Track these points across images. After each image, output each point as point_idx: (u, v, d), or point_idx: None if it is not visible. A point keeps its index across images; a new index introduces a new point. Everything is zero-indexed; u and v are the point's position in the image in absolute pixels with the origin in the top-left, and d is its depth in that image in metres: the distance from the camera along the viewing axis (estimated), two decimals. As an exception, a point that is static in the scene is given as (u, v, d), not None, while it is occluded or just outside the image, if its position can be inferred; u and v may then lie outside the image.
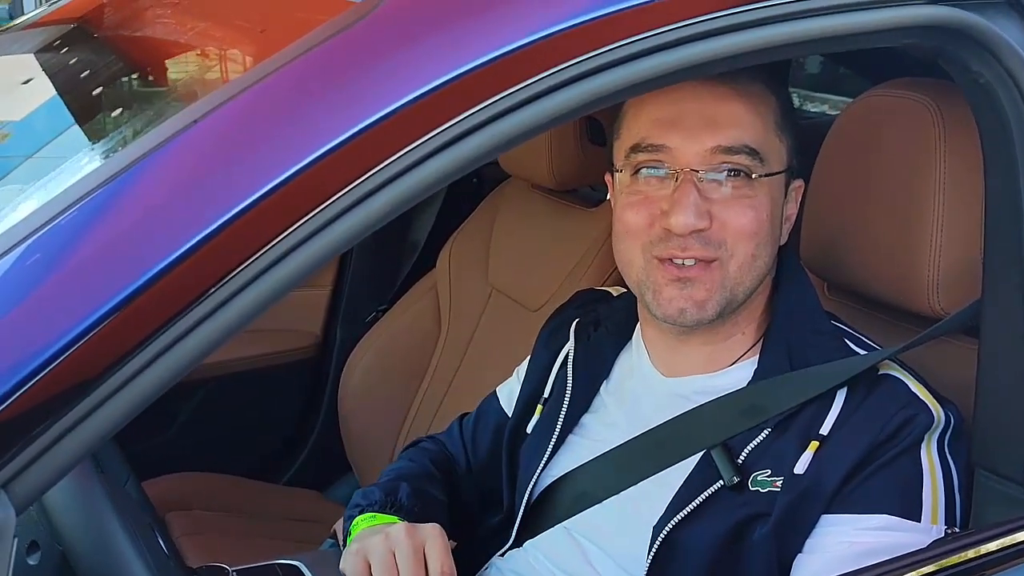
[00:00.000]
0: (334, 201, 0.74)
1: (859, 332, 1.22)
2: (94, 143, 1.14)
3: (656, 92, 1.12)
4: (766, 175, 1.15)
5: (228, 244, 0.70)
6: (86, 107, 1.22)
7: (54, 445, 0.63)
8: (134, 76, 1.19)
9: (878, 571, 0.94)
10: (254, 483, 2.32)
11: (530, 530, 1.29)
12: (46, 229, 0.71)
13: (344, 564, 1.14)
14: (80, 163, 0.95)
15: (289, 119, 0.73)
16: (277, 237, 0.73)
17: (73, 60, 1.45)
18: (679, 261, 1.14)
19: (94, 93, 1.26)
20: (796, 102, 3.84)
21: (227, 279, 0.71)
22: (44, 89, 1.36)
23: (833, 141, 1.36)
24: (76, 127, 1.24)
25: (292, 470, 2.47)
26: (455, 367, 2.21)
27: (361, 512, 1.27)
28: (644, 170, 1.17)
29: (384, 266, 2.57)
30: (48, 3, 1.94)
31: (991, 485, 1.01)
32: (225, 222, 0.70)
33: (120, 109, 1.11)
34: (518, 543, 1.30)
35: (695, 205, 1.12)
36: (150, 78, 1.13)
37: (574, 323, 1.37)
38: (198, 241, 0.68)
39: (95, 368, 0.66)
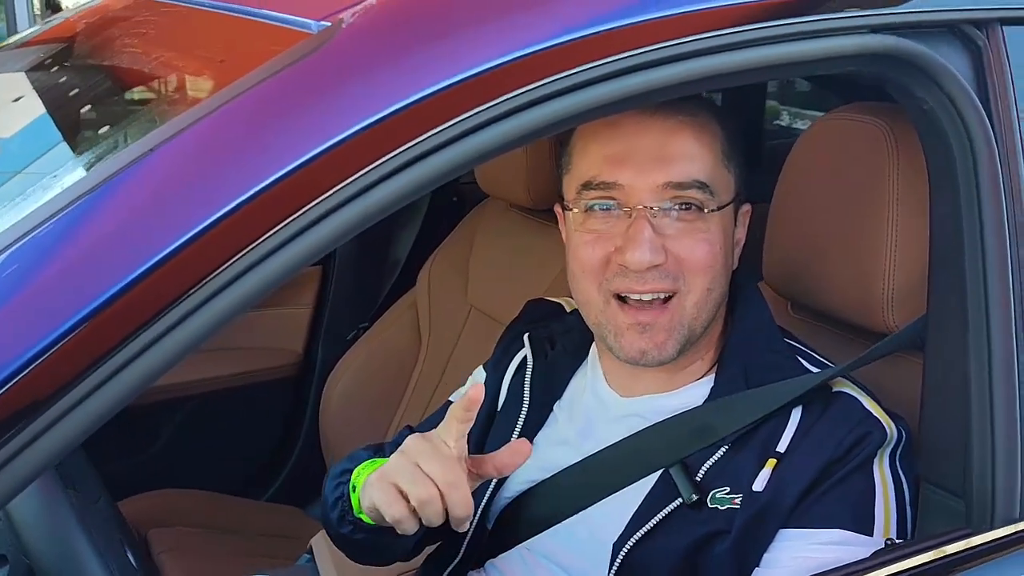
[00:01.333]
0: (286, 225, 0.77)
1: (813, 350, 1.25)
2: (76, 161, 1.17)
3: (603, 126, 1.14)
4: (718, 208, 1.16)
5: (174, 271, 0.72)
6: (73, 125, 1.25)
7: (16, 456, 0.66)
8: (120, 95, 1.22)
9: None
10: (236, 500, 2.34)
11: (489, 551, 1.30)
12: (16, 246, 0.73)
13: (371, 497, 1.09)
14: (53, 181, 0.98)
15: (252, 140, 0.76)
16: (236, 254, 0.76)
17: (62, 79, 1.47)
18: (637, 297, 1.15)
19: (82, 111, 1.29)
20: (787, 119, 3.88)
21: (189, 293, 0.72)
22: (34, 107, 1.38)
23: (793, 164, 1.39)
24: (63, 144, 1.27)
25: (274, 487, 2.49)
26: (435, 384, 2.23)
27: (351, 472, 1.22)
28: (597, 207, 1.17)
29: (365, 285, 2.59)
30: (44, 22, 1.97)
31: (935, 498, 1.04)
32: (179, 245, 0.73)
33: (106, 127, 1.13)
34: (478, 563, 1.31)
35: (650, 241, 1.13)
36: (128, 99, 1.16)
37: (527, 336, 1.38)
38: (152, 264, 0.71)
39: (52, 385, 0.68)
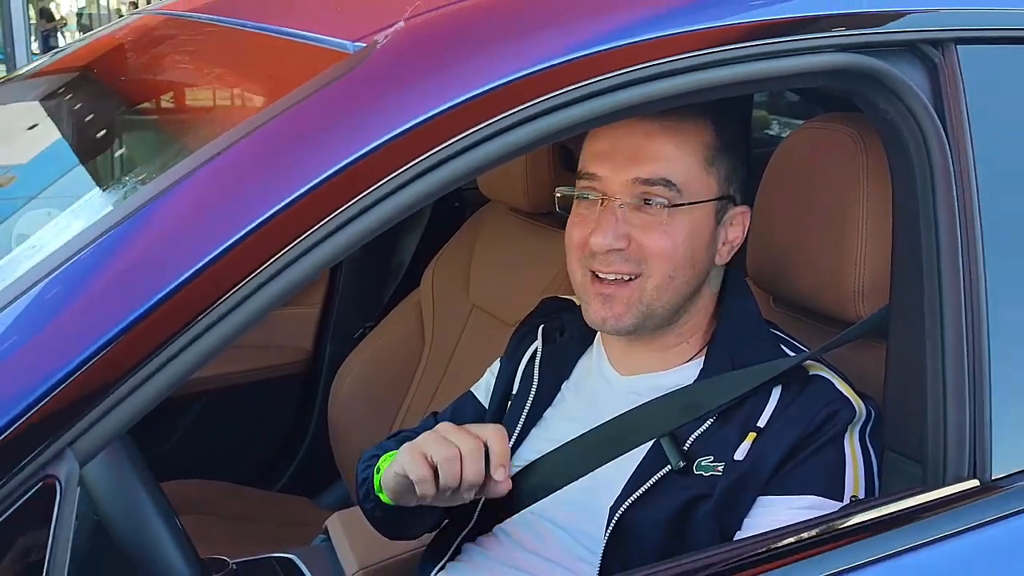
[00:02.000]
0: (328, 221, 0.89)
1: (793, 338, 1.38)
2: (95, 184, 1.29)
3: (601, 128, 1.28)
4: (684, 204, 1.29)
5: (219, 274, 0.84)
6: (86, 150, 1.36)
7: (105, 416, 0.78)
8: (185, 107, 1.34)
9: (795, 529, 1.09)
10: (248, 490, 2.44)
11: (498, 516, 1.43)
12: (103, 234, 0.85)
13: (399, 462, 1.24)
14: (87, 204, 1.10)
15: (304, 145, 0.88)
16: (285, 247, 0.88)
17: (74, 106, 1.58)
18: (602, 275, 1.30)
19: (94, 137, 1.40)
20: (776, 129, 4.01)
21: (240, 286, 0.84)
22: (48, 134, 1.49)
23: (773, 169, 1.51)
24: (77, 169, 1.38)
25: (284, 478, 2.59)
26: (438, 379, 2.35)
27: (379, 458, 1.37)
28: (581, 194, 1.33)
29: (371, 285, 2.71)
30: (51, 53, 2.07)
31: (897, 464, 1.17)
32: (225, 248, 0.85)
33: (119, 151, 1.24)
34: (487, 528, 1.44)
35: (613, 228, 1.28)
36: (193, 108, 1.28)
37: (540, 327, 1.52)
38: (203, 264, 0.83)
39: (136, 357, 0.80)
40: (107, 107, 1.47)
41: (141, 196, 0.86)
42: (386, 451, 1.38)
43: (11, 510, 0.75)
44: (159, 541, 1.02)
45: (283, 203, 0.84)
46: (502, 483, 1.23)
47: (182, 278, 0.81)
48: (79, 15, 17.88)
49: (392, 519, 1.42)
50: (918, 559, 1.04)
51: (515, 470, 1.42)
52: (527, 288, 2.19)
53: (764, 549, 1.08)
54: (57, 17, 16.82)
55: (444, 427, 1.24)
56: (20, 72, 1.97)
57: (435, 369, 2.36)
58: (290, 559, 1.75)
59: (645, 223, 1.29)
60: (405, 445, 1.25)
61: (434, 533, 1.53)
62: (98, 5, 16.46)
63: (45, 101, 1.61)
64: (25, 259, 0.89)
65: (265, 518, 2.33)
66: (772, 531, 1.14)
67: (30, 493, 0.75)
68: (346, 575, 1.74)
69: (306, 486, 2.55)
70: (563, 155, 2.13)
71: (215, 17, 1.29)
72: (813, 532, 1.07)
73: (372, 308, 2.65)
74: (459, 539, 1.46)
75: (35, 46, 12.70)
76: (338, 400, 2.40)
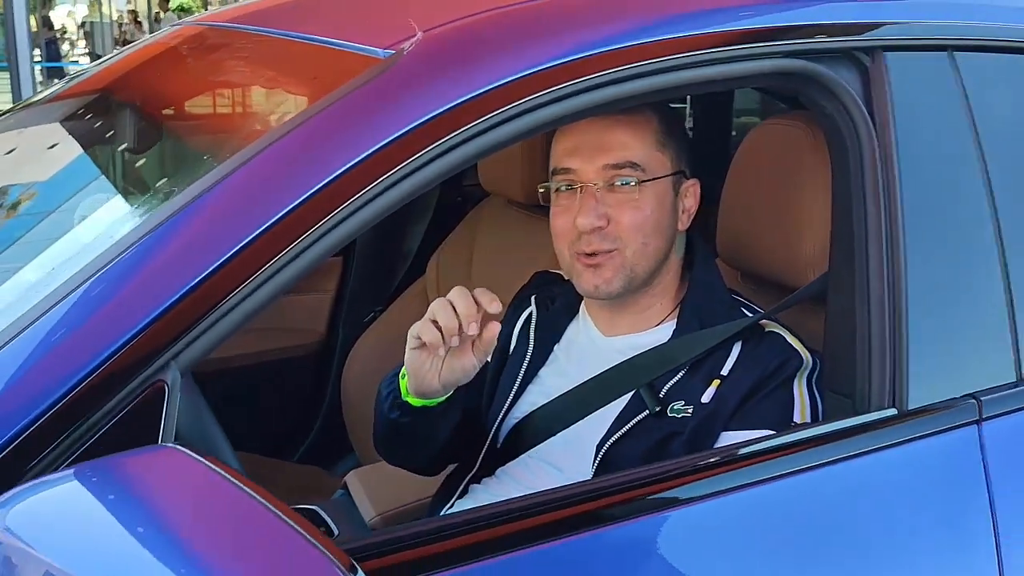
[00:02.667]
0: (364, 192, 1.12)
1: (752, 302, 1.61)
2: (114, 196, 1.47)
3: (565, 129, 1.50)
4: (648, 180, 1.52)
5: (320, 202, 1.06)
6: (99, 167, 1.53)
7: (199, 337, 1.01)
8: (242, 103, 1.53)
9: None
10: (267, 460, 2.61)
11: (500, 461, 1.65)
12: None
13: (415, 330, 1.40)
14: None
15: (347, 130, 1.10)
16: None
17: (89, 128, 1.76)
18: (589, 252, 1.52)
19: (107, 155, 1.59)
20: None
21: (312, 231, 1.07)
22: (66, 153, 1.67)
23: (738, 162, 1.74)
24: (90, 185, 1.56)
25: (300, 450, 2.76)
26: None
27: (398, 375, 1.54)
28: (562, 187, 1.56)
29: (380, 274, 2.87)
30: (63, 80, 2.21)
31: (833, 400, 1.39)
32: (294, 206, 1.07)
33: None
34: (490, 471, 1.66)
35: (594, 209, 1.50)
36: (251, 103, 1.48)
37: (533, 297, 1.75)
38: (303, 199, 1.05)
39: (220, 293, 1.03)
40: (111, 131, 1.67)
41: (231, 163, 1.09)
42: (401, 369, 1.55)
43: (133, 404, 0.97)
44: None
45: (342, 168, 1.07)
46: (493, 324, 1.38)
47: (263, 226, 1.04)
48: (81, 24, 18.10)
49: (417, 424, 1.57)
50: (848, 467, 1.26)
51: (515, 420, 1.65)
52: (523, 272, 2.36)
53: (722, 457, 1.30)
54: (57, 26, 17.07)
55: (451, 294, 1.37)
56: (40, 96, 2.13)
57: (439, 348, 2.57)
58: (313, 509, 1.96)
59: (618, 201, 1.52)
60: (414, 325, 1.41)
61: (442, 479, 1.75)
62: (100, 14, 16.71)
63: (64, 123, 1.78)
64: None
65: (283, 483, 2.53)
66: (729, 444, 1.37)
67: (146, 392, 0.98)
68: (365, 521, 1.95)
69: (320, 458, 2.72)
70: (556, 152, 2.35)
71: (259, 28, 1.52)
72: (763, 446, 1.30)
73: (381, 294, 2.82)
74: (465, 481, 1.68)
75: (37, 54, 12.96)
76: (350, 378, 2.58)
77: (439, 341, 1.37)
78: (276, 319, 2.72)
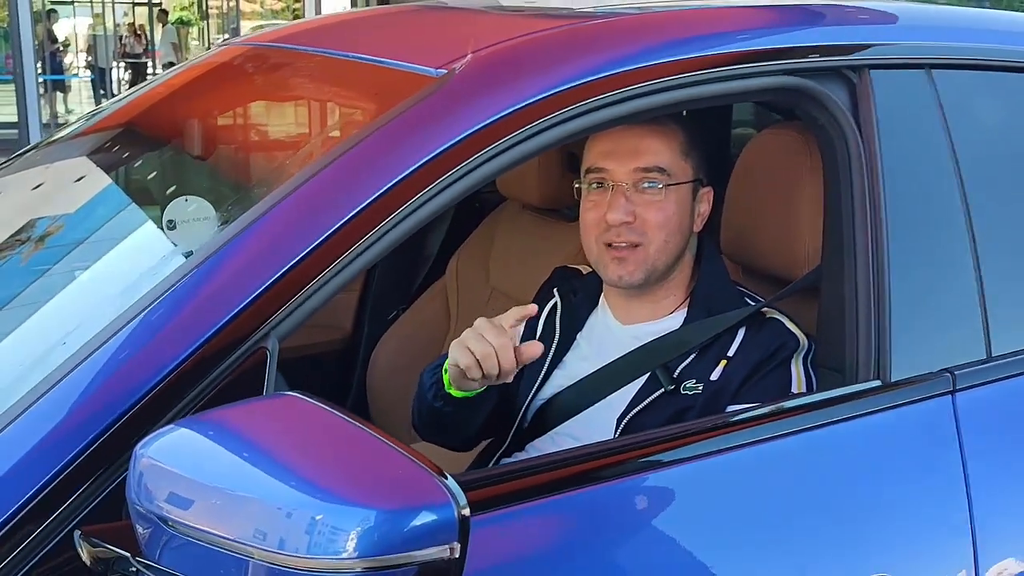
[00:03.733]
0: (423, 193, 1.30)
1: (755, 293, 1.80)
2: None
3: (602, 134, 1.69)
4: (672, 184, 1.71)
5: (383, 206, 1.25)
6: (121, 197, 1.68)
7: (294, 311, 1.20)
8: (308, 119, 1.69)
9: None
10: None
11: (528, 438, 1.83)
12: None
13: (452, 355, 1.57)
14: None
15: (409, 141, 1.29)
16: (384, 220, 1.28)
17: (112, 161, 1.92)
18: (616, 244, 1.71)
19: (129, 186, 1.75)
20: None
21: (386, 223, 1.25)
22: (92, 186, 1.81)
23: (741, 166, 1.92)
24: (113, 216, 1.74)
25: (329, 440, 2.95)
26: None
27: (441, 367, 1.70)
28: (593, 185, 1.74)
29: (403, 274, 3.02)
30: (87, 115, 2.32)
31: (827, 375, 1.59)
32: (378, 195, 1.26)
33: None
34: (520, 447, 1.85)
35: (623, 206, 1.70)
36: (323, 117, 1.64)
37: (556, 289, 1.94)
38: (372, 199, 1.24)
39: (311, 275, 1.22)
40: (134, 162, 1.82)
41: (310, 169, 1.28)
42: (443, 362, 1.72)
43: (243, 364, 1.16)
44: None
45: (406, 172, 1.26)
46: (534, 347, 1.56)
47: (339, 223, 1.23)
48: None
49: (459, 412, 1.74)
50: (837, 430, 1.45)
51: (542, 401, 1.83)
52: (539, 272, 2.53)
53: (729, 420, 1.49)
54: (61, 39, 17.25)
55: (480, 324, 1.55)
56: (64, 133, 2.26)
57: (459, 344, 2.75)
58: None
59: (645, 202, 1.71)
60: (454, 342, 1.59)
61: (474, 456, 1.94)
62: (104, 27, 16.91)
63: (89, 156, 1.96)
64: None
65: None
66: (734, 410, 1.56)
67: (252, 355, 1.17)
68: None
69: (348, 447, 2.91)
70: (568, 160, 2.53)
71: (318, 49, 1.71)
72: (766, 410, 1.49)
73: (404, 293, 2.96)
74: (496, 456, 1.87)
75: (39, 66, 13.16)
76: (376, 372, 2.76)
77: (474, 364, 1.54)
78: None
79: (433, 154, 1.28)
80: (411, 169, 1.27)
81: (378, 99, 1.46)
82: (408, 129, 1.31)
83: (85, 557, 1.07)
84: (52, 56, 15.37)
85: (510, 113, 1.35)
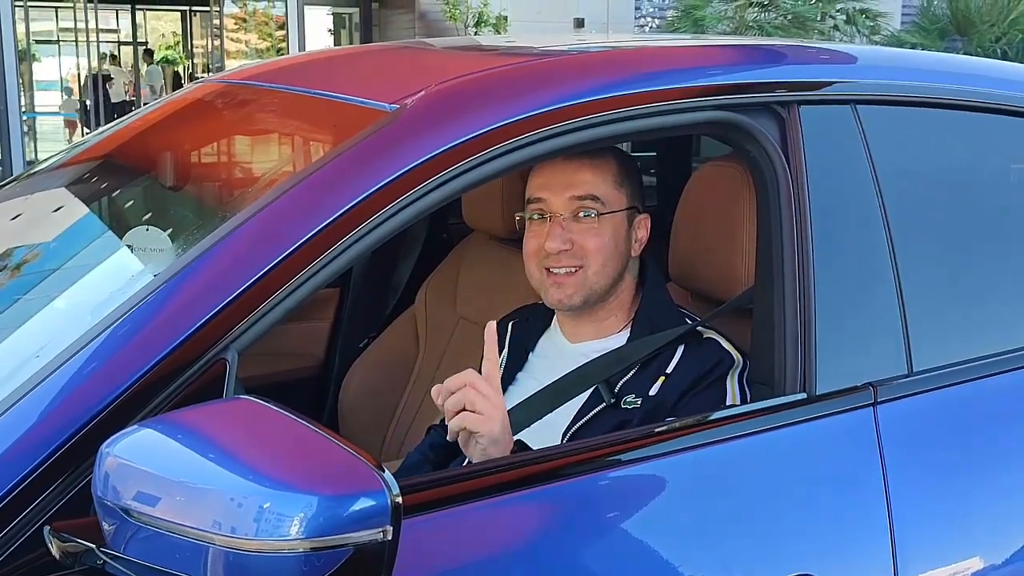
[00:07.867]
0: (377, 216, 1.41)
1: (695, 314, 1.91)
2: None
3: (540, 167, 1.80)
4: (608, 213, 1.83)
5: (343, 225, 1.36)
6: (96, 227, 1.78)
7: (253, 325, 1.29)
8: (262, 152, 1.79)
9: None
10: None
11: None
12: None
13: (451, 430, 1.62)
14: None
15: (360, 171, 1.40)
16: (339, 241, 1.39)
17: (91, 192, 2.02)
18: (555, 271, 1.83)
19: (106, 216, 1.84)
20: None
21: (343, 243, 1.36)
22: (69, 215, 1.90)
23: (685, 197, 2.03)
24: (88, 244, 1.82)
25: (300, 464, 3.03)
26: (431, 379, 2.76)
27: None
28: (534, 216, 1.86)
29: (373, 303, 3.12)
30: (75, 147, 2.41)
31: (757, 389, 1.69)
32: (324, 226, 1.36)
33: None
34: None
35: (560, 235, 1.81)
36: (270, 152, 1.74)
37: (511, 322, 2.06)
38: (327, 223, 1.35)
39: (267, 293, 1.32)
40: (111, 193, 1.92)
41: (274, 193, 1.38)
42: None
43: (204, 373, 1.26)
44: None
45: (356, 200, 1.36)
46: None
47: (301, 240, 1.33)
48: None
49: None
50: (764, 438, 1.56)
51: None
52: (504, 300, 2.61)
53: (660, 430, 1.59)
54: (45, 77, 17.39)
55: (471, 398, 1.59)
56: (45, 165, 2.33)
57: (428, 371, 2.79)
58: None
59: (581, 229, 1.82)
60: (454, 422, 1.62)
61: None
62: (89, 66, 17.03)
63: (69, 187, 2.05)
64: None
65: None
66: (666, 421, 1.66)
67: (212, 366, 1.27)
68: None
69: (319, 471, 2.98)
70: (533, 192, 2.65)
71: (285, 86, 1.83)
72: (698, 419, 1.59)
73: (374, 322, 3.05)
74: (453, 463, 1.96)
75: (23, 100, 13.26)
76: (346, 399, 2.84)
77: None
78: (278, 345, 2.96)
79: (382, 183, 1.39)
80: (361, 197, 1.38)
81: (335, 132, 1.57)
82: (359, 160, 1.42)
83: (54, 551, 1.16)
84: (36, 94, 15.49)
85: (455, 146, 1.45)
